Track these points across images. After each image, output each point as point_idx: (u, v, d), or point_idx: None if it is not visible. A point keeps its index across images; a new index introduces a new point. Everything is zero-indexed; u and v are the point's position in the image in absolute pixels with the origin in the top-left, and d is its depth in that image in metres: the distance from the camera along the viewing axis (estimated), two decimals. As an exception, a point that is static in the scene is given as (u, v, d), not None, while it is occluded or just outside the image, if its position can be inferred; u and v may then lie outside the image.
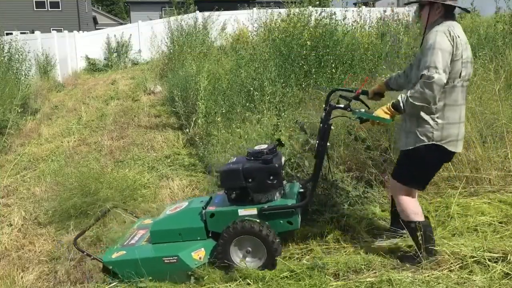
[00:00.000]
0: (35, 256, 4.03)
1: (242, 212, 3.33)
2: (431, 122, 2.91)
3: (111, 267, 3.40)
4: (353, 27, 8.29)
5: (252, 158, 3.37)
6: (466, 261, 2.94)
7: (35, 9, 32.37)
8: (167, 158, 6.37)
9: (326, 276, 3.04)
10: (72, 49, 17.92)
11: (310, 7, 8.45)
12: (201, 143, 6.14)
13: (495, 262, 2.92)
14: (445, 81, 2.77)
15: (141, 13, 29.07)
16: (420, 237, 2.96)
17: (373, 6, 14.20)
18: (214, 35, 13.43)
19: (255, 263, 3.28)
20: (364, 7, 12.21)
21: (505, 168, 4.08)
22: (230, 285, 3.10)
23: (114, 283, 3.32)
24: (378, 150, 4.38)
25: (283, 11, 9.35)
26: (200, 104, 6.73)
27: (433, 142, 2.91)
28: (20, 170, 6.49)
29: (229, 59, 9.39)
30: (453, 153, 3.00)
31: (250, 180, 3.29)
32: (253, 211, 3.30)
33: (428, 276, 2.88)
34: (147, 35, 16.02)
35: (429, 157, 2.96)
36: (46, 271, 3.77)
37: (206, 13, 14.08)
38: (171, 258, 3.27)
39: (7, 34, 14.10)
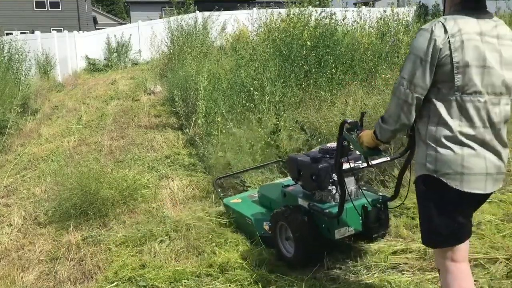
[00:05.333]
0: (35, 256, 4.03)
1: (300, 201, 3.32)
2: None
3: (225, 209, 4.09)
4: (353, 27, 8.29)
5: (318, 153, 3.28)
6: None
7: (35, 9, 32.37)
8: (167, 158, 6.37)
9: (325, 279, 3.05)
10: (72, 49, 17.91)
11: (310, 7, 8.45)
12: (201, 143, 6.13)
13: (495, 261, 2.92)
14: (410, 96, 2.05)
15: (141, 13, 29.06)
16: None
17: (373, 6, 14.20)
18: (214, 35, 13.41)
19: (291, 252, 3.28)
20: (364, 7, 12.21)
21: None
22: (230, 285, 3.11)
23: (115, 283, 3.32)
24: (378, 150, 4.38)
25: (283, 11, 9.35)
26: (200, 104, 6.73)
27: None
28: (20, 170, 6.48)
29: (229, 59, 9.39)
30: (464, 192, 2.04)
31: (301, 173, 3.26)
32: (306, 204, 3.26)
33: (427, 276, 2.88)
34: (147, 35, 15.98)
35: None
36: (46, 271, 3.76)
37: (206, 13, 14.06)
38: (249, 219, 3.68)
39: (7, 34, 14.11)
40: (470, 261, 2.93)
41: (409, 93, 2.05)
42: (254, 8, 17.57)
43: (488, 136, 2.03)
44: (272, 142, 5.02)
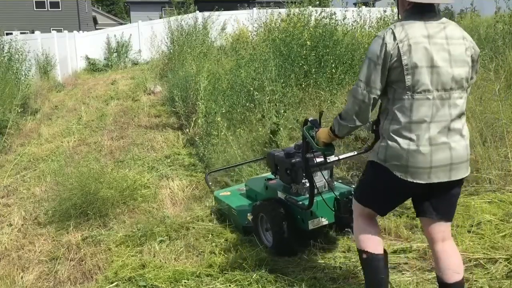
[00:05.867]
0: (35, 256, 4.03)
1: (279, 194, 3.53)
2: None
3: (215, 200, 4.27)
4: (353, 27, 8.29)
5: (293, 148, 3.49)
6: (467, 261, 2.94)
7: (35, 9, 32.36)
8: (167, 158, 6.37)
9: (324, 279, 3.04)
10: (72, 49, 17.91)
11: (310, 7, 8.45)
12: (201, 143, 6.14)
13: (495, 261, 2.92)
14: (366, 96, 2.24)
15: (141, 13, 29.06)
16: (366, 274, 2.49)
17: (373, 6, 14.19)
18: (214, 35, 13.41)
19: (271, 242, 3.46)
20: (364, 7, 12.20)
21: (505, 168, 4.08)
22: (229, 285, 3.10)
23: (115, 283, 3.32)
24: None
25: (283, 11, 9.36)
26: (200, 104, 6.73)
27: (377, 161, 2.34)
28: (20, 170, 6.48)
29: (229, 59, 9.39)
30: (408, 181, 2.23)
31: (278, 168, 3.50)
32: (283, 196, 3.47)
33: (427, 276, 2.88)
34: (147, 35, 16.01)
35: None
36: (46, 271, 3.77)
37: (206, 13, 14.06)
38: (234, 210, 3.87)
39: (7, 34, 14.11)
40: (470, 261, 2.94)
41: (366, 94, 2.25)
42: (254, 8, 17.58)
43: (438, 130, 2.19)
44: (272, 143, 5.02)
